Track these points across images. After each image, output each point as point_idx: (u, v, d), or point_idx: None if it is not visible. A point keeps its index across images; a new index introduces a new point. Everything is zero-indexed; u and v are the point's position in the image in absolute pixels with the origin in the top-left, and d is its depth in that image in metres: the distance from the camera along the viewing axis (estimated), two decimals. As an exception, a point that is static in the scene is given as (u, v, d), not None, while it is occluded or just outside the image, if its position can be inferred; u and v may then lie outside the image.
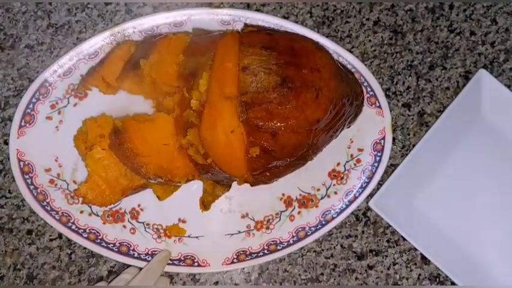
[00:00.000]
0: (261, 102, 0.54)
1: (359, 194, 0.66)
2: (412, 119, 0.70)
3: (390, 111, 0.67)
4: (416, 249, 0.67)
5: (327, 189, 0.67)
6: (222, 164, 0.57)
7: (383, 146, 0.66)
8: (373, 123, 0.67)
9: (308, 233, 0.66)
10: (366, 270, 0.67)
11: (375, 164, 0.66)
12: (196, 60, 0.58)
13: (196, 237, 0.66)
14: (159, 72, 0.60)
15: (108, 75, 0.64)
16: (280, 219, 0.67)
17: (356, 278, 0.67)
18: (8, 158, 0.65)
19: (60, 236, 0.67)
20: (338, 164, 0.67)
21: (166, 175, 0.59)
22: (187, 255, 0.66)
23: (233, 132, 0.56)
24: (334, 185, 0.67)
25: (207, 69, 0.57)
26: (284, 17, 0.70)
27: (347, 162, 0.67)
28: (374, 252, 0.67)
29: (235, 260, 0.65)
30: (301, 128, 0.55)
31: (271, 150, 0.56)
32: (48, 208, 0.65)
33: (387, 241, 0.67)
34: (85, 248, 0.66)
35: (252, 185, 0.60)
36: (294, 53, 0.57)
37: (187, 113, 0.57)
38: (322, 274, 0.67)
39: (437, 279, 0.67)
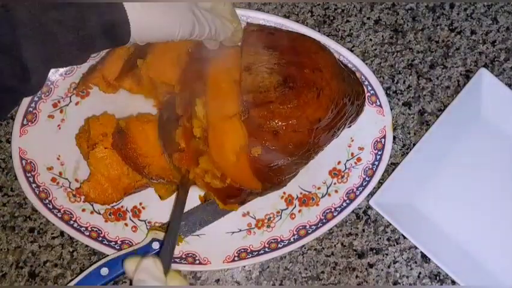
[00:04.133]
0: (262, 101, 0.54)
1: (360, 193, 0.66)
2: (413, 117, 0.70)
3: (391, 110, 0.67)
4: (416, 248, 0.67)
5: (327, 188, 0.67)
6: (240, 181, 0.57)
7: (384, 145, 0.66)
8: (374, 122, 0.67)
9: (309, 231, 0.66)
10: (366, 269, 0.67)
11: (376, 163, 0.66)
12: (190, 89, 0.58)
13: (198, 235, 0.66)
14: (156, 72, 0.60)
15: (108, 74, 0.64)
16: (281, 218, 0.67)
17: (357, 276, 0.67)
18: (11, 157, 0.65)
19: (62, 234, 0.67)
20: (339, 163, 0.67)
21: (168, 176, 0.60)
22: (188, 253, 0.66)
23: (241, 149, 0.56)
24: (335, 183, 0.67)
25: (200, 96, 0.57)
26: (285, 16, 0.70)
27: (348, 160, 0.67)
28: (374, 251, 0.68)
29: (236, 258, 0.66)
30: (303, 127, 0.56)
31: (272, 150, 0.56)
32: (51, 206, 0.65)
33: (388, 239, 0.68)
34: (86, 246, 0.67)
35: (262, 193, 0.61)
36: (296, 52, 0.57)
37: (194, 142, 0.57)
38: (323, 272, 0.67)
39: (437, 278, 0.67)
